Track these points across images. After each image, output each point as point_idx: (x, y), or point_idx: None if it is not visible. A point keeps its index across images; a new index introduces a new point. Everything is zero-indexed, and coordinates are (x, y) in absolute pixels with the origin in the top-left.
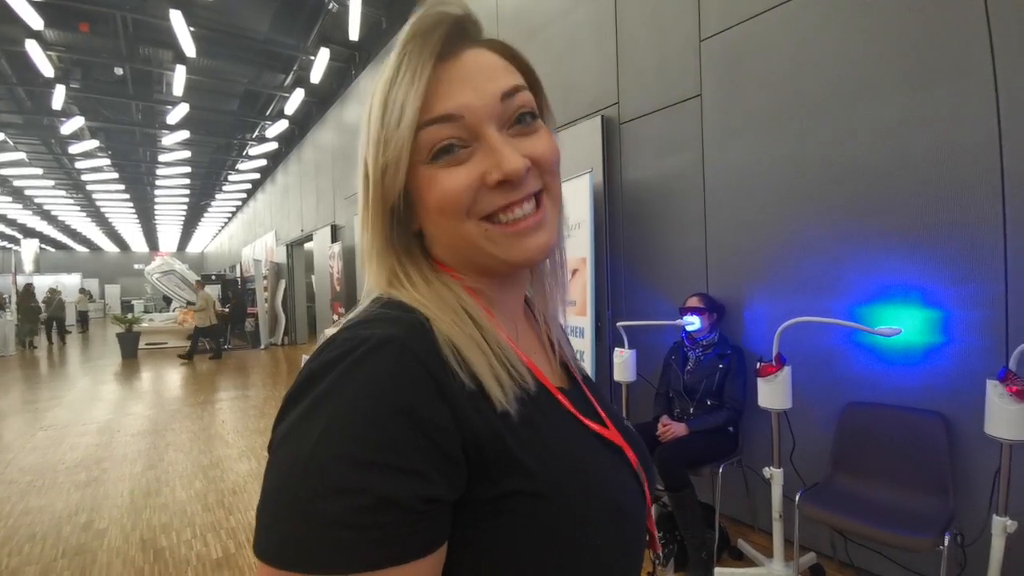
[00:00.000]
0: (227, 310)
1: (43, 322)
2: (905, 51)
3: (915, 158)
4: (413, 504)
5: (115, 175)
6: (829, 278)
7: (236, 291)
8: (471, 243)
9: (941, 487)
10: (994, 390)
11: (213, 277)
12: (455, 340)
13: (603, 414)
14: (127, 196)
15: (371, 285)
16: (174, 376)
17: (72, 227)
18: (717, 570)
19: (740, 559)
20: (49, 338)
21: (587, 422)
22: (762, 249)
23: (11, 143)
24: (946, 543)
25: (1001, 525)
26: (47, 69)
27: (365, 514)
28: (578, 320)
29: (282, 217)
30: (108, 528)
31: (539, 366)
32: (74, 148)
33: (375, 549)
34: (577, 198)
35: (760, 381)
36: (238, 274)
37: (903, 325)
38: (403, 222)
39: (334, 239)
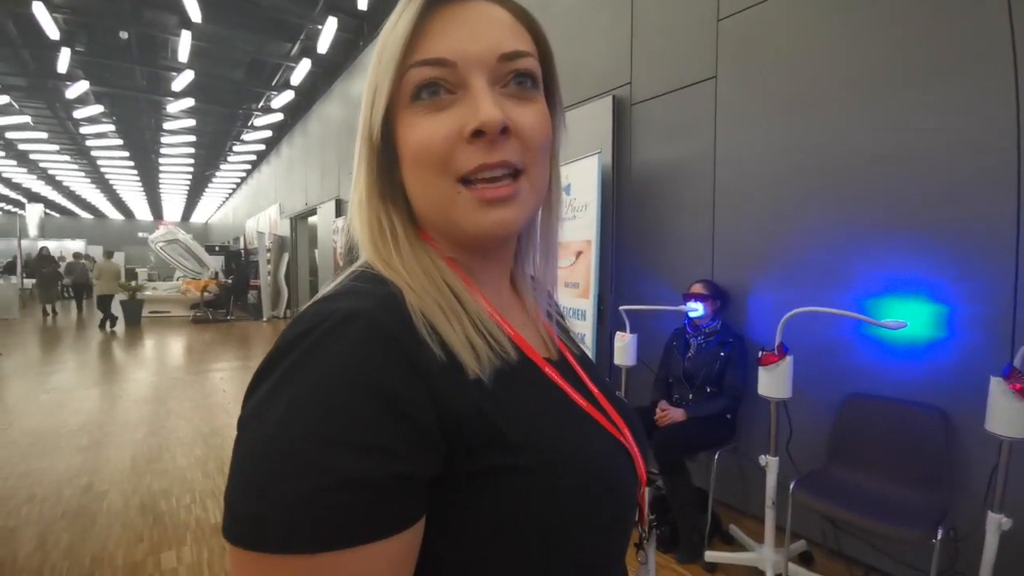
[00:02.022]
0: (229, 281)
1: (65, 288)
2: (926, 39)
3: (930, 149)
4: (382, 482)
5: (119, 141)
6: (835, 269)
7: (239, 263)
8: (441, 204)
9: (936, 482)
10: (997, 387)
11: (216, 248)
12: (429, 311)
13: (594, 388)
14: (131, 163)
15: (355, 237)
16: (176, 344)
17: (77, 193)
18: (708, 553)
19: (731, 543)
20: (79, 306)
21: (575, 395)
22: (769, 237)
23: (16, 106)
24: (939, 537)
25: (996, 522)
26: (53, 31)
27: (332, 493)
28: (580, 302)
29: (287, 190)
30: (108, 491)
31: (527, 339)
32: (79, 113)
33: (343, 528)
34: (585, 179)
35: (761, 370)
36: (242, 246)
37: (908, 319)
38: (386, 169)
39: (338, 214)
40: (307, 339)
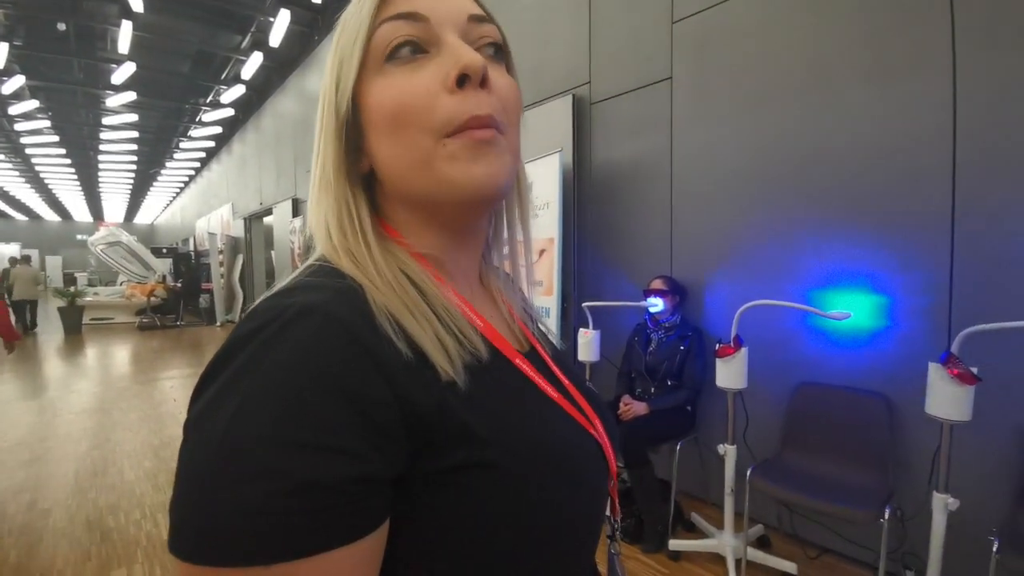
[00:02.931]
0: (179, 285)
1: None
2: (871, 41)
3: (872, 147)
4: (341, 485)
5: (56, 138)
6: (785, 262)
7: (189, 265)
8: (424, 161)
9: (882, 464)
10: (936, 372)
11: (164, 250)
12: (392, 306)
13: (565, 379)
14: (68, 161)
15: (313, 224)
16: (122, 352)
17: (10, 193)
18: (671, 542)
19: (693, 531)
20: (24, 322)
21: (546, 387)
22: (724, 233)
23: None
24: (886, 516)
25: (942, 502)
26: None
27: (288, 499)
28: (544, 300)
29: (239, 189)
30: (52, 508)
31: (498, 330)
32: (13, 109)
33: (300, 536)
34: (546, 178)
35: (718, 362)
36: (192, 247)
37: (853, 309)
38: (354, 148)
39: (295, 214)
40: (259, 336)
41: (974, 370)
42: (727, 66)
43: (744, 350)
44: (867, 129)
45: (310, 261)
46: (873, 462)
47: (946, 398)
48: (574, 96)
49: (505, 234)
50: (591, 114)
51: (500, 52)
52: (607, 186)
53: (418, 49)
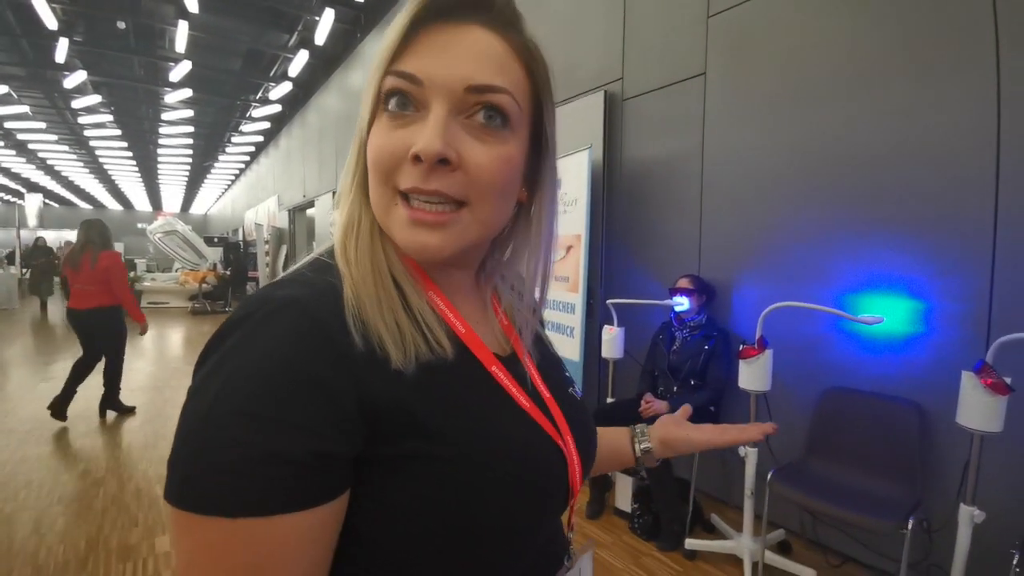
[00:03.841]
0: (228, 273)
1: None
2: (910, 40)
3: (911, 148)
4: (303, 458)
5: (117, 132)
6: (817, 265)
7: (238, 254)
8: (381, 210)
9: (910, 474)
10: (969, 381)
11: (215, 240)
12: (364, 302)
13: (544, 388)
14: (130, 154)
15: (338, 224)
16: (175, 335)
17: (75, 183)
18: (688, 541)
19: (712, 532)
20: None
21: (517, 394)
22: (754, 233)
23: (15, 96)
24: (910, 527)
25: (968, 514)
26: (51, 22)
27: (255, 465)
28: (570, 296)
29: (285, 182)
30: (104, 477)
31: (481, 335)
32: (77, 103)
33: (261, 497)
34: (575, 174)
35: (741, 363)
36: (240, 237)
37: (886, 314)
38: (367, 167)
39: (336, 206)
40: (246, 323)
41: (1008, 380)
42: (762, 63)
43: (768, 352)
44: (905, 129)
45: (316, 253)
46: (900, 471)
47: (978, 408)
48: (606, 92)
49: (529, 236)
50: (623, 110)
51: (500, 118)
52: (637, 183)
53: (408, 103)
